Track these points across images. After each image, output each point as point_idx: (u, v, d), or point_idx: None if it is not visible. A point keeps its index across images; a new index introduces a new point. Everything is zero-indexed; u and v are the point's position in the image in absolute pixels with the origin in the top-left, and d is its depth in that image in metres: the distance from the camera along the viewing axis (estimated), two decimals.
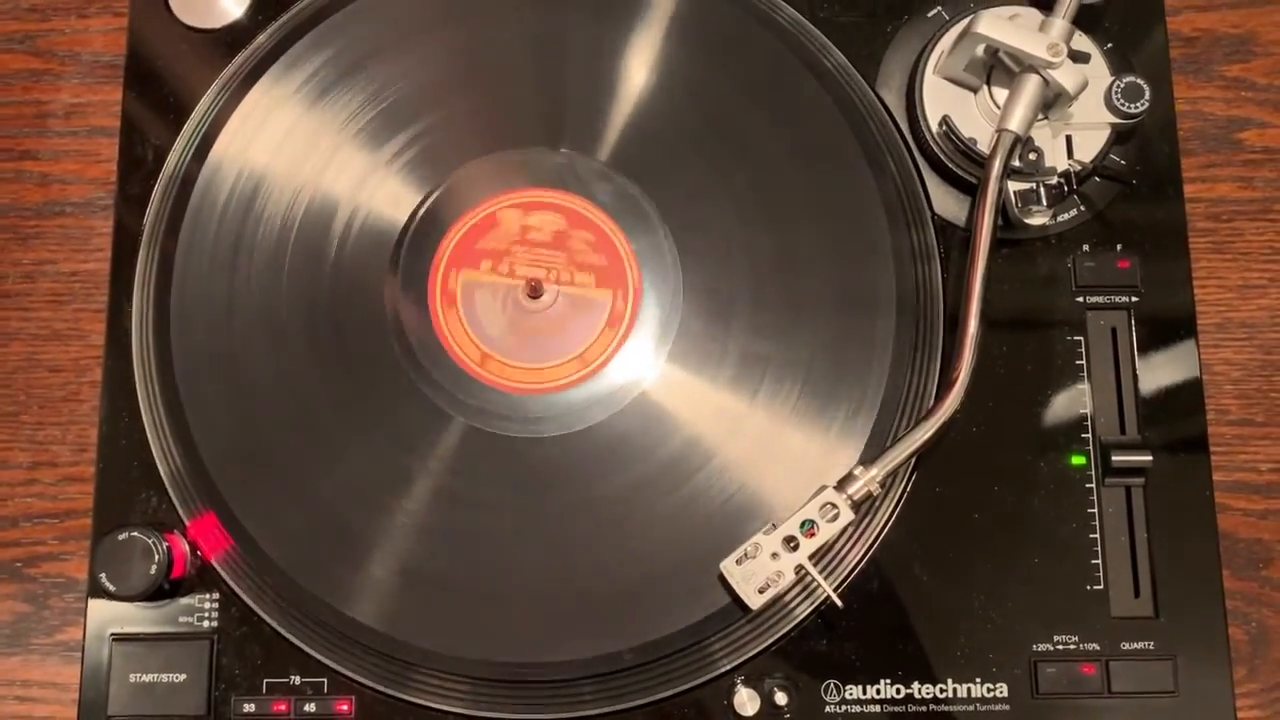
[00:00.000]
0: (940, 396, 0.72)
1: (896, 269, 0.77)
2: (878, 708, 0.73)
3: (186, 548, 0.75)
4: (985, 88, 0.78)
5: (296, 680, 0.74)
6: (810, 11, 0.83)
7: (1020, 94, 0.75)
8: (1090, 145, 0.78)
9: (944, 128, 0.79)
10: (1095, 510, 0.76)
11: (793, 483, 0.73)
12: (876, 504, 0.75)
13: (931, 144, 0.79)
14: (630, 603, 0.73)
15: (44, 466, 0.82)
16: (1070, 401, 0.77)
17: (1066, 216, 0.79)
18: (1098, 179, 0.79)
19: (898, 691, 0.74)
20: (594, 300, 0.77)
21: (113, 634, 0.74)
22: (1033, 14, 0.79)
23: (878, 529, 0.75)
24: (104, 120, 0.87)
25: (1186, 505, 0.76)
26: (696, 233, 0.78)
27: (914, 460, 0.74)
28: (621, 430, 0.75)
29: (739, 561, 0.70)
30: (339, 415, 0.76)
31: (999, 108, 0.77)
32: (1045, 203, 0.76)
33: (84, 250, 0.85)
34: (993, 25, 0.75)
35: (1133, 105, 0.76)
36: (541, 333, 0.77)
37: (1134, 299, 0.79)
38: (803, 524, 0.70)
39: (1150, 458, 0.75)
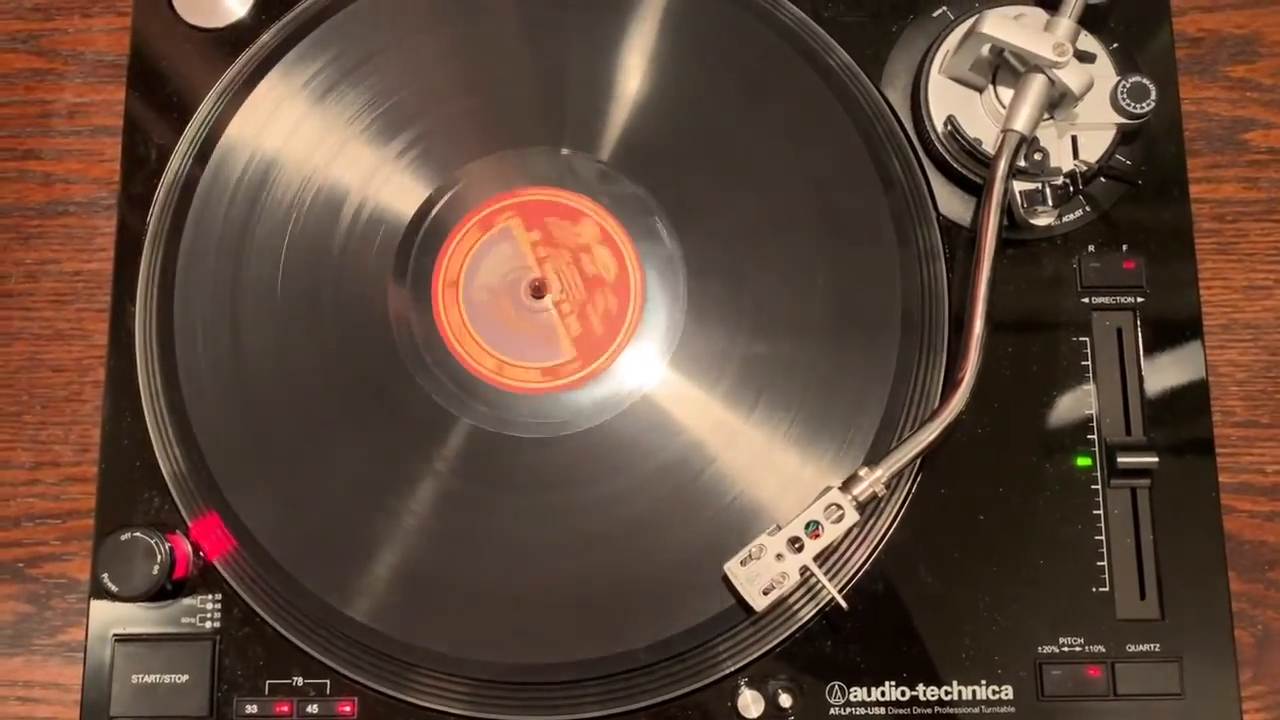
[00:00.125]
0: (945, 397, 0.72)
1: (902, 269, 0.76)
2: (882, 710, 0.73)
3: (189, 548, 0.74)
4: (990, 87, 0.78)
5: (299, 681, 0.74)
6: (814, 11, 0.83)
7: (1026, 94, 0.75)
8: (1096, 145, 0.78)
9: (949, 128, 0.78)
10: (1100, 512, 0.75)
11: (797, 484, 0.73)
12: (881, 505, 0.74)
13: (937, 144, 0.79)
14: (634, 604, 0.73)
15: (46, 466, 0.82)
16: (1075, 402, 0.77)
17: (1072, 217, 0.79)
18: (1103, 179, 0.79)
19: (902, 694, 0.73)
20: (557, 346, 0.77)
21: (115, 635, 0.74)
22: (1038, 14, 0.78)
23: (883, 530, 0.75)
24: (107, 120, 0.87)
25: (1192, 507, 0.76)
26: (700, 231, 0.77)
27: (919, 461, 0.74)
28: (625, 432, 0.75)
29: (743, 563, 0.70)
30: (342, 416, 0.75)
31: (1004, 108, 0.77)
32: (1051, 203, 0.76)
33: (87, 250, 0.85)
34: (998, 25, 0.75)
35: (1138, 105, 0.76)
36: (509, 322, 0.77)
37: (1139, 300, 0.78)
38: (807, 525, 0.70)
39: (1156, 459, 0.75)
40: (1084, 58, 0.77)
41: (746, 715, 0.73)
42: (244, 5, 0.83)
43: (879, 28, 0.83)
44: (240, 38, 0.83)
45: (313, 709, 0.73)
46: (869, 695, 0.73)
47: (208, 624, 0.74)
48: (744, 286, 0.77)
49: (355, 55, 0.80)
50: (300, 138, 0.79)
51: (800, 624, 0.73)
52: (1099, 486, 0.76)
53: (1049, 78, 0.75)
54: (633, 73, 0.80)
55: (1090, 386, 0.77)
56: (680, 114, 0.79)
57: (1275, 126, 0.86)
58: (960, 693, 0.73)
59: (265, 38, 0.82)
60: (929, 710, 0.73)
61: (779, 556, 0.70)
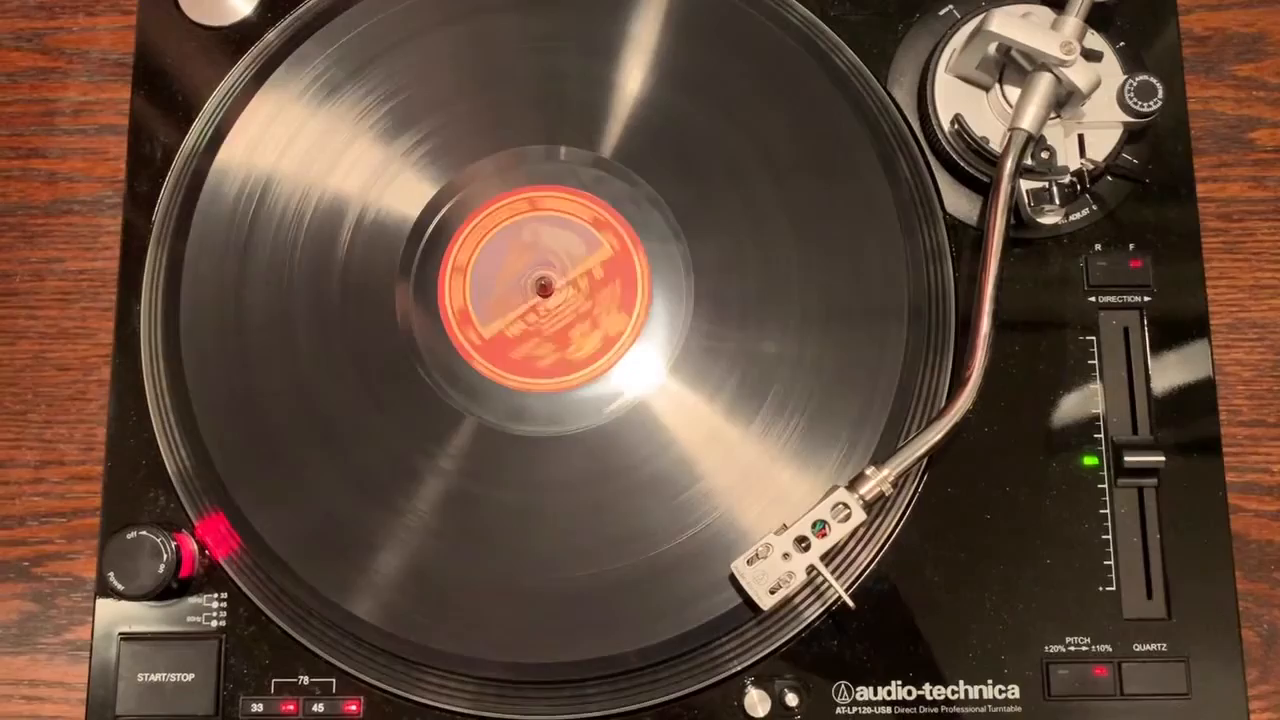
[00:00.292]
0: (952, 397, 0.72)
1: (908, 268, 0.76)
2: (889, 709, 0.73)
3: (195, 547, 0.74)
4: (997, 86, 0.78)
5: (305, 680, 0.74)
6: (821, 9, 0.83)
7: (1033, 92, 0.75)
8: (1103, 144, 0.78)
9: (956, 126, 0.78)
10: (1107, 511, 0.75)
11: (803, 484, 0.73)
12: (888, 504, 0.74)
13: (943, 143, 0.79)
14: (640, 603, 0.72)
15: (52, 465, 0.82)
16: (1082, 402, 0.77)
17: (1079, 216, 0.79)
18: (1110, 178, 0.79)
19: (909, 693, 0.73)
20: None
21: (121, 633, 0.74)
22: (1045, 12, 0.78)
23: (889, 529, 0.75)
24: (112, 118, 0.86)
25: (1199, 506, 0.76)
26: (707, 230, 0.77)
27: (926, 460, 0.74)
28: (634, 428, 0.75)
29: (750, 562, 0.70)
30: (347, 414, 0.75)
31: (1011, 106, 0.77)
32: (1058, 202, 0.76)
33: (92, 249, 0.85)
34: (1005, 23, 0.75)
35: (1145, 104, 0.76)
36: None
37: (1146, 299, 0.78)
38: (814, 524, 0.70)
39: (1162, 458, 0.75)
40: (1091, 56, 0.77)
41: (753, 714, 0.73)
42: (249, 4, 0.83)
43: (886, 26, 0.83)
44: (245, 36, 0.83)
45: (318, 708, 0.73)
46: (875, 694, 0.73)
47: (213, 623, 0.74)
48: (749, 286, 0.76)
49: (361, 54, 0.80)
50: (305, 137, 0.79)
51: (807, 623, 0.73)
52: (1105, 486, 0.76)
53: (1056, 76, 0.75)
54: (638, 71, 0.80)
55: (1097, 385, 0.77)
56: (686, 112, 0.79)
57: None
58: (967, 692, 0.73)
59: (270, 36, 0.82)
60: (935, 710, 0.73)
61: (786, 555, 0.70)
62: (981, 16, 0.76)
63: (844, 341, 0.75)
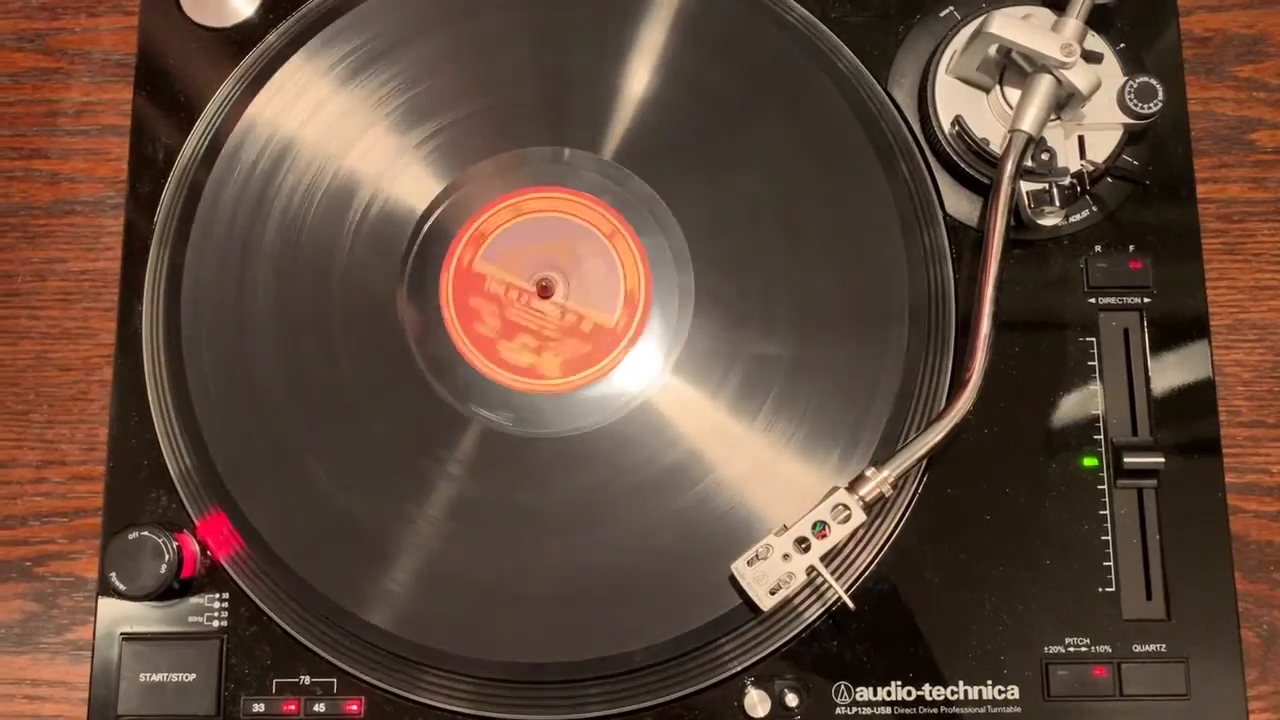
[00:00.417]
0: (952, 398, 0.72)
1: (908, 270, 0.76)
2: (888, 710, 0.73)
3: (196, 547, 0.74)
4: (998, 88, 0.78)
5: (306, 680, 0.74)
6: (822, 11, 0.83)
7: (1033, 94, 0.75)
8: (1103, 146, 0.78)
9: (956, 128, 0.78)
10: (1107, 512, 0.75)
11: (803, 485, 0.73)
12: (888, 505, 0.74)
13: (944, 144, 0.79)
14: (641, 603, 0.73)
15: (53, 465, 0.82)
16: (1082, 403, 0.77)
17: (1079, 217, 0.79)
18: (1110, 179, 0.79)
19: (909, 693, 0.73)
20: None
21: (122, 633, 0.74)
22: (1045, 14, 0.78)
23: (889, 530, 0.75)
24: (114, 119, 0.87)
25: (1198, 507, 0.76)
26: (707, 231, 0.77)
27: (926, 462, 0.74)
28: (633, 430, 0.75)
29: (750, 562, 0.70)
30: (349, 415, 0.75)
31: (1011, 108, 0.77)
32: (1058, 203, 0.76)
33: (94, 249, 0.85)
34: (1006, 25, 0.75)
35: (1146, 105, 0.76)
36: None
37: (1146, 300, 0.78)
38: (814, 525, 0.70)
39: (1162, 460, 0.75)
40: (1091, 58, 0.77)
41: (753, 715, 0.73)
42: (251, 5, 0.83)
43: (886, 28, 0.83)
44: (247, 37, 0.83)
45: (319, 708, 0.74)
46: (875, 695, 0.73)
47: (215, 623, 0.75)
48: (750, 287, 0.77)
49: (362, 55, 0.80)
50: (307, 137, 0.79)
51: (807, 624, 0.74)
52: (1105, 487, 0.76)
53: (1056, 78, 0.75)
54: (640, 72, 0.80)
55: (1097, 387, 0.77)
56: (688, 114, 0.79)
57: None
58: (966, 693, 0.73)
59: (272, 37, 0.82)
60: (935, 710, 0.73)
61: (786, 556, 0.70)
62: (982, 18, 0.76)
63: (844, 343, 0.76)
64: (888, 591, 0.75)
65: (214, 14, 0.83)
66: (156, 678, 0.74)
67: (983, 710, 0.73)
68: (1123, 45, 0.80)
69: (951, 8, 0.82)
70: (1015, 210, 0.76)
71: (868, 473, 0.71)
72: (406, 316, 0.77)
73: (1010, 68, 0.78)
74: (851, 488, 0.71)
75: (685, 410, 0.75)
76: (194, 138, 0.81)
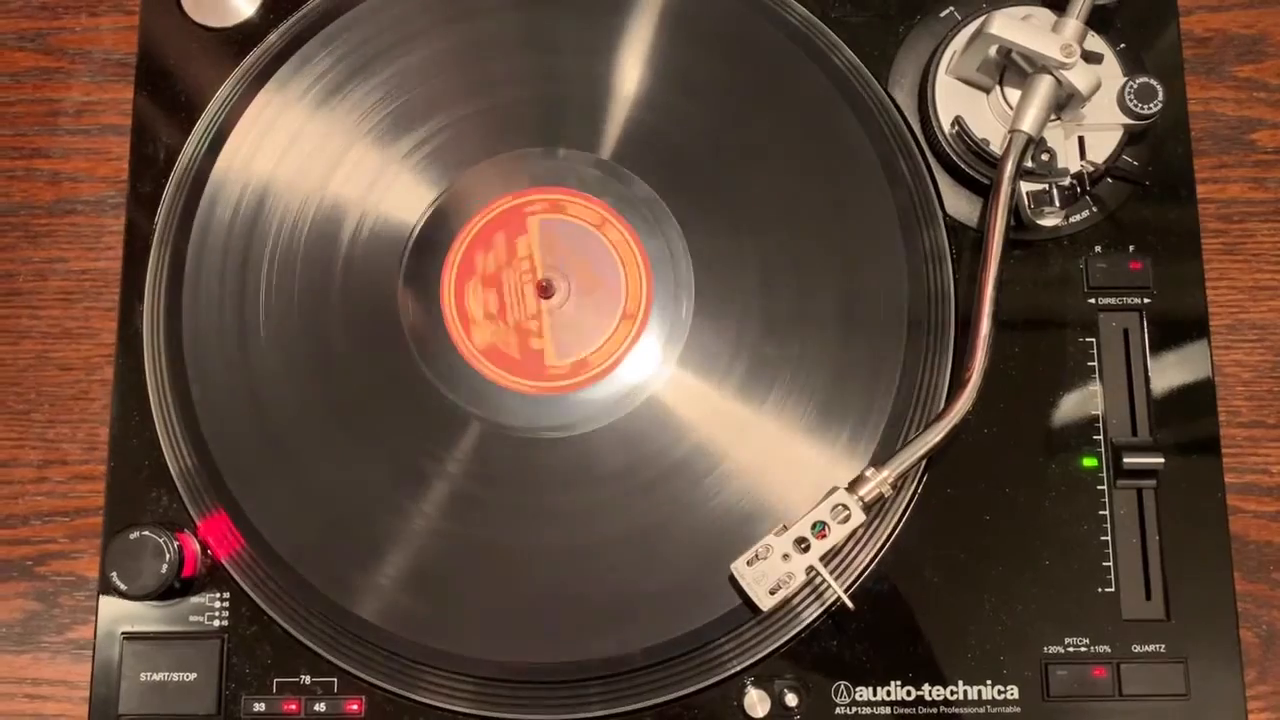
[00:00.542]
0: (952, 398, 0.72)
1: (908, 270, 0.76)
2: (888, 709, 0.73)
3: (197, 547, 0.75)
4: (998, 88, 0.78)
5: (307, 680, 0.74)
6: (822, 11, 0.83)
7: (1033, 95, 0.75)
8: (1103, 146, 0.78)
9: (956, 128, 0.78)
10: (1106, 512, 0.75)
11: (803, 485, 0.73)
12: (888, 505, 0.74)
13: (944, 145, 0.79)
14: (640, 603, 0.73)
15: (54, 465, 0.82)
16: (1082, 403, 0.77)
17: (1079, 218, 0.79)
18: (1110, 180, 0.79)
19: (908, 693, 0.74)
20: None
21: (123, 633, 0.74)
22: (1045, 14, 0.78)
23: (889, 530, 0.75)
24: (115, 118, 0.87)
25: (1198, 507, 0.76)
26: (707, 232, 0.77)
27: (925, 462, 0.74)
28: (633, 431, 0.75)
29: (750, 562, 0.70)
30: (350, 414, 0.76)
31: (1011, 108, 0.77)
32: (1058, 204, 0.76)
33: (95, 249, 0.85)
34: (1006, 26, 0.75)
35: (1146, 106, 0.76)
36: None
37: (1146, 300, 0.78)
38: (814, 525, 0.70)
39: (1162, 460, 0.75)
40: (1091, 58, 0.77)
41: (753, 714, 0.73)
42: (251, 5, 0.83)
43: (886, 28, 0.83)
44: (248, 37, 0.83)
45: (320, 707, 0.74)
46: (875, 695, 0.74)
47: (215, 622, 0.75)
48: (749, 287, 0.77)
49: (363, 55, 0.80)
50: (308, 137, 0.79)
51: (806, 624, 0.74)
52: (1105, 487, 0.76)
53: (1056, 78, 0.75)
54: (639, 71, 0.80)
55: (1096, 387, 0.77)
56: (687, 114, 0.79)
57: None
58: (966, 693, 0.73)
59: (272, 37, 0.82)
60: (935, 710, 0.73)
61: (785, 557, 0.70)
62: (982, 19, 0.76)
63: (843, 343, 0.76)
64: (887, 591, 0.75)
65: (214, 14, 0.83)
66: (157, 677, 0.74)
67: (982, 710, 0.73)
68: (1123, 45, 0.80)
69: (952, 8, 0.82)
70: (1015, 211, 0.76)
71: (867, 473, 0.71)
72: (408, 315, 0.77)
73: (1010, 68, 0.78)
74: (851, 488, 0.71)
75: (686, 411, 0.75)
76: (195, 137, 0.81)
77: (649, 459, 0.74)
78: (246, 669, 0.74)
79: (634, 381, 0.76)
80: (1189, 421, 0.77)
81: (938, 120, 0.79)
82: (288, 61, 0.80)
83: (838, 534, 0.70)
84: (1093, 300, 0.78)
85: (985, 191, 0.78)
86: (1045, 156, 0.77)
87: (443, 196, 0.78)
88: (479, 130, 0.79)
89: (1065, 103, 0.76)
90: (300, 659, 0.74)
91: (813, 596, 0.74)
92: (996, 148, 0.77)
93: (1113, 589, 0.74)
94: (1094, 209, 0.79)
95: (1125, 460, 0.75)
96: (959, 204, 0.80)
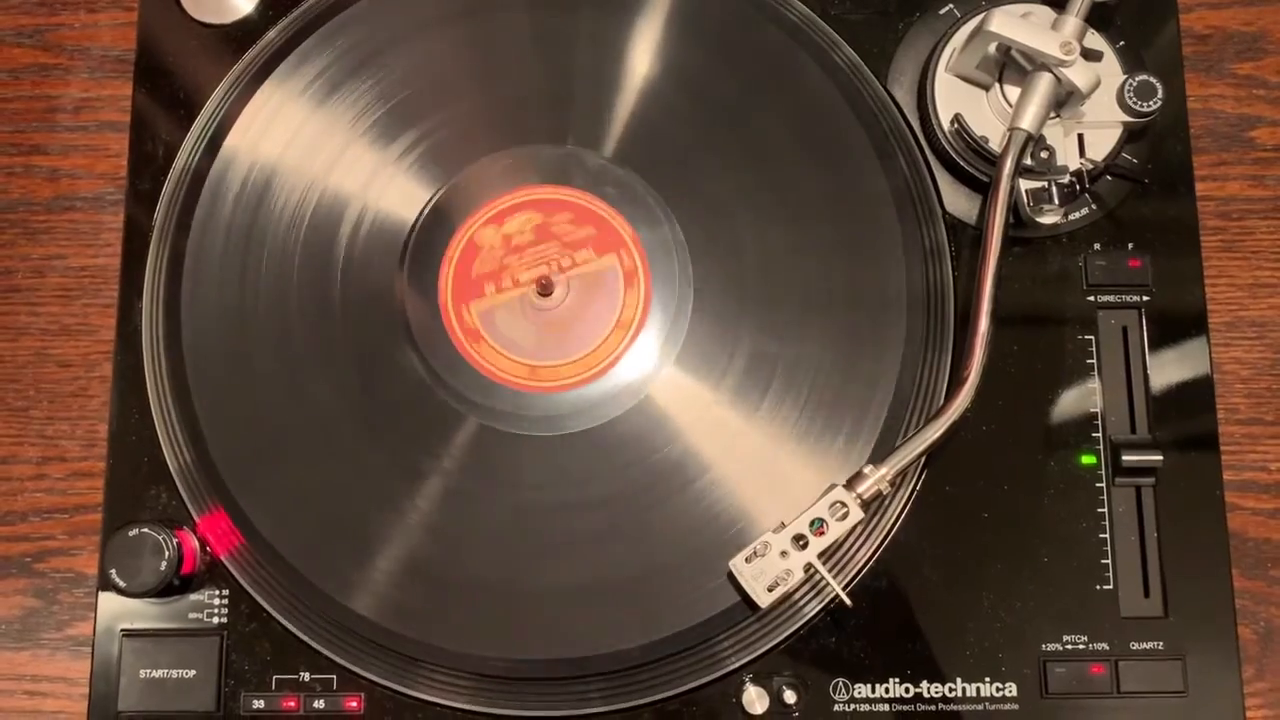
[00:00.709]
0: (950, 395, 0.72)
1: (907, 267, 0.76)
2: (886, 706, 0.73)
3: (196, 544, 0.75)
4: (997, 86, 0.78)
5: (306, 677, 0.74)
6: (821, 8, 0.83)
7: (1032, 92, 0.75)
8: (1102, 144, 0.78)
9: (955, 125, 0.78)
10: (1105, 510, 0.76)
11: (801, 482, 0.73)
12: (886, 503, 0.75)
13: (943, 142, 0.79)
14: (639, 600, 0.73)
15: (53, 461, 0.82)
16: (1081, 400, 0.77)
17: (1078, 215, 0.79)
18: (1109, 178, 0.79)
19: (906, 690, 0.74)
20: (603, 270, 0.77)
21: (123, 630, 0.74)
22: (1045, 12, 0.78)
23: (887, 528, 0.75)
24: (113, 115, 0.87)
25: (1196, 504, 0.76)
26: (706, 229, 0.77)
27: (924, 459, 0.74)
28: (631, 427, 0.75)
29: (748, 559, 0.70)
30: (349, 412, 0.76)
31: (1011, 106, 0.77)
32: (1057, 201, 0.76)
33: (94, 245, 0.85)
34: (1005, 23, 0.75)
35: (1145, 104, 0.76)
36: (567, 326, 0.77)
37: (1145, 298, 0.78)
38: (812, 522, 0.70)
39: (1160, 457, 0.75)
40: (1091, 56, 0.77)
41: (751, 711, 0.73)
42: (250, 1, 0.83)
43: (886, 25, 0.83)
44: (247, 34, 0.83)
45: (319, 704, 0.74)
46: (873, 692, 0.74)
47: (215, 619, 0.75)
48: (748, 284, 0.77)
49: (362, 52, 0.80)
50: (307, 134, 0.79)
51: (805, 620, 0.74)
52: (1104, 484, 0.76)
53: (1056, 76, 0.75)
54: (639, 68, 0.80)
55: (1095, 384, 0.77)
56: (686, 111, 0.79)
57: None
58: (964, 690, 0.74)
59: (271, 34, 0.82)
60: (933, 707, 0.73)
61: (784, 554, 0.70)
62: (982, 16, 0.76)
63: (842, 340, 0.76)
64: (886, 588, 0.75)
65: (213, 11, 0.83)
66: (157, 674, 0.74)
67: (980, 707, 0.73)
68: (1122, 43, 0.80)
69: (951, 5, 0.82)
70: (1014, 208, 0.76)
71: (866, 470, 0.71)
72: (407, 311, 0.77)
73: (1010, 65, 0.78)
74: (849, 485, 0.71)
75: (684, 407, 0.75)
76: (194, 134, 0.81)
77: (648, 456, 0.74)
78: (246, 666, 0.74)
79: (632, 379, 0.76)
80: (1188, 419, 0.77)
81: (937, 118, 0.79)
82: (287, 58, 0.80)
83: (836, 531, 0.70)
84: (1092, 298, 0.78)
85: (984, 189, 0.78)
86: (1044, 154, 0.77)
87: (442, 193, 0.78)
88: (478, 126, 0.79)
89: (1065, 100, 0.76)
90: (299, 656, 0.74)
91: (812, 593, 0.74)
92: (996, 145, 0.77)
93: (1111, 586, 0.75)
94: (1093, 206, 0.79)
95: (1124, 458, 0.75)
96: (958, 201, 0.80)
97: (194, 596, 0.75)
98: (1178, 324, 0.78)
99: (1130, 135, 0.78)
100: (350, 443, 0.75)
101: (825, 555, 0.70)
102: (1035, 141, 0.76)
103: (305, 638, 0.74)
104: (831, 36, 0.81)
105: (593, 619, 0.73)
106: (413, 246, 0.78)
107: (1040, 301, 0.78)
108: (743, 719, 0.73)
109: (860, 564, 0.74)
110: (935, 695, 0.74)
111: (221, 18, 0.83)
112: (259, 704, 0.74)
